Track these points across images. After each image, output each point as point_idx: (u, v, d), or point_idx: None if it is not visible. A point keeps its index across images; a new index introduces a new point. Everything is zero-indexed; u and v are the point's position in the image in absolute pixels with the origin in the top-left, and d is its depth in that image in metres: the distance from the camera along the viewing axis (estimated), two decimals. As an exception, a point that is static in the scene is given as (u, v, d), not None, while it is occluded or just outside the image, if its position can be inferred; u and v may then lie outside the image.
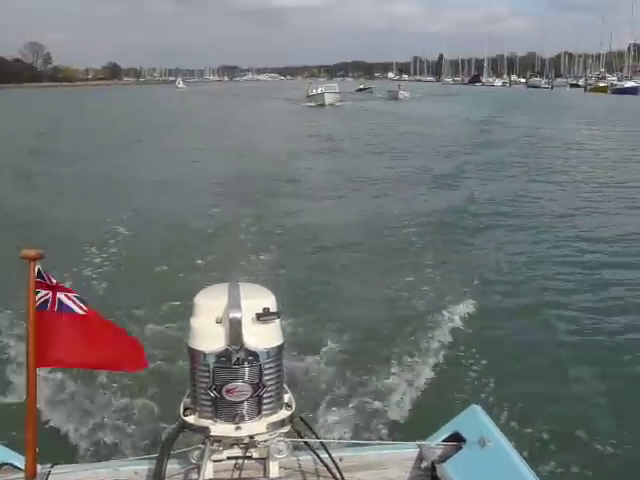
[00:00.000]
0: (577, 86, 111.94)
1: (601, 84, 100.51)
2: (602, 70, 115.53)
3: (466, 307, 7.49)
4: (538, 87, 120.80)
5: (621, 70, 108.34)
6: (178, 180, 16.60)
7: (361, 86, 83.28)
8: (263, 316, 2.47)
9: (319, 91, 54.62)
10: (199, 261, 9.40)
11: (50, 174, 17.80)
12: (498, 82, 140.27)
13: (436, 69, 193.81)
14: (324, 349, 6.36)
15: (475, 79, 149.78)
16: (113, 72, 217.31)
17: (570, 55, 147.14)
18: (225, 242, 10.52)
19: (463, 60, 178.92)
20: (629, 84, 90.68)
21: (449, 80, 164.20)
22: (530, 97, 78.80)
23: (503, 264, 9.68)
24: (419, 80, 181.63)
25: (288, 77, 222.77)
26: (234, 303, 2.44)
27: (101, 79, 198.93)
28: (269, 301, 2.55)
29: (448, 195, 14.97)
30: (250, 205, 13.34)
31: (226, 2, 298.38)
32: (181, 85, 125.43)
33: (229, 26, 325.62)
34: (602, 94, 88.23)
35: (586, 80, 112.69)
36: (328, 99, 52.54)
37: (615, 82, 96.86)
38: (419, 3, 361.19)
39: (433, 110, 47.96)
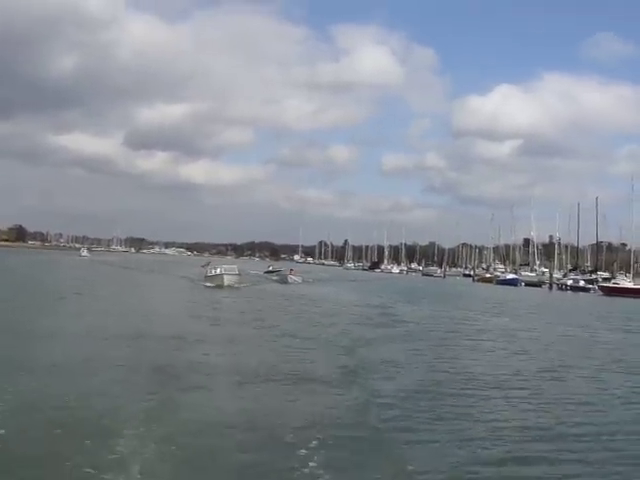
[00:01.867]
0: (469, 276, 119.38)
1: (487, 275, 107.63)
2: (493, 262, 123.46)
3: None
4: (432, 275, 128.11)
5: (513, 262, 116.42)
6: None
7: (270, 268, 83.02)
8: None
9: (218, 272, 52.25)
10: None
11: None
12: (396, 269, 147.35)
13: (341, 253, 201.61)
14: None
15: (375, 265, 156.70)
16: (18, 234, 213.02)
17: (469, 246, 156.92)
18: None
19: (367, 246, 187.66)
20: (510, 276, 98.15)
21: (350, 265, 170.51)
22: (421, 285, 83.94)
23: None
24: (323, 264, 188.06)
25: (195, 253, 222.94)
26: None
27: (5, 240, 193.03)
28: None
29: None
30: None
31: (139, 176, 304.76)
32: (85, 254, 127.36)
33: (139, 199, 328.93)
34: (488, 284, 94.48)
35: (474, 271, 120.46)
36: (227, 280, 50.34)
37: (498, 274, 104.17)
38: (329, 189, 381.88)
39: (319, 294, 49.50)
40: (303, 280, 67.98)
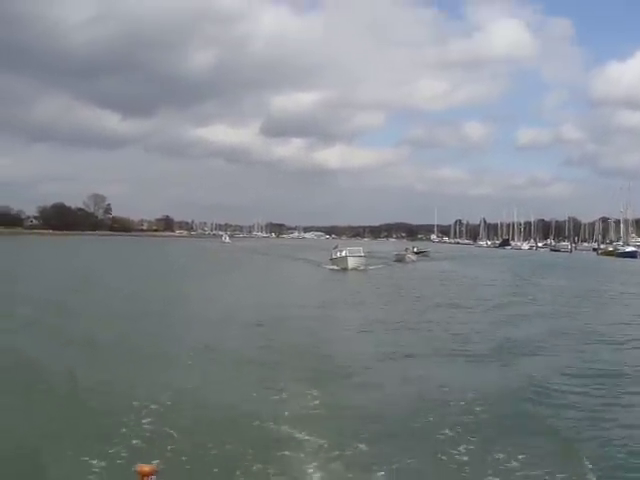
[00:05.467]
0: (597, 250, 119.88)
1: (610, 249, 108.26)
2: (627, 235, 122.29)
3: None
4: (559, 251, 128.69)
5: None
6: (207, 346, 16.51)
7: (414, 249, 78.90)
8: None
9: (342, 254, 51.60)
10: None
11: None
12: (525, 246, 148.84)
13: (476, 231, 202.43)
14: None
15: (505, 242, 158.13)
16: (166, 224, 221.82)
17: (606, 220, 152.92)
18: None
19: (502, 224, 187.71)
20: (629, 249, 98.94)
21: (482, 243, 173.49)
22: (541, 259, 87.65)
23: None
24: (458, 242, 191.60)
25: (333, 236, 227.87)
26: None
27: (155, 230, 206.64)
28: None
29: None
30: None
31: (276, 163, 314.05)
32: (227, 240, 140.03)
33: (277, 185, 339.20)
34: (609, 257, 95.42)
35: (599, 245, 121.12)
36: (351, 263, 50.00)
37: (619, 247, 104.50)
38: (463, 168, 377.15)
39: (432, 271, 53.76)
40: (430, 258, 74.28)
